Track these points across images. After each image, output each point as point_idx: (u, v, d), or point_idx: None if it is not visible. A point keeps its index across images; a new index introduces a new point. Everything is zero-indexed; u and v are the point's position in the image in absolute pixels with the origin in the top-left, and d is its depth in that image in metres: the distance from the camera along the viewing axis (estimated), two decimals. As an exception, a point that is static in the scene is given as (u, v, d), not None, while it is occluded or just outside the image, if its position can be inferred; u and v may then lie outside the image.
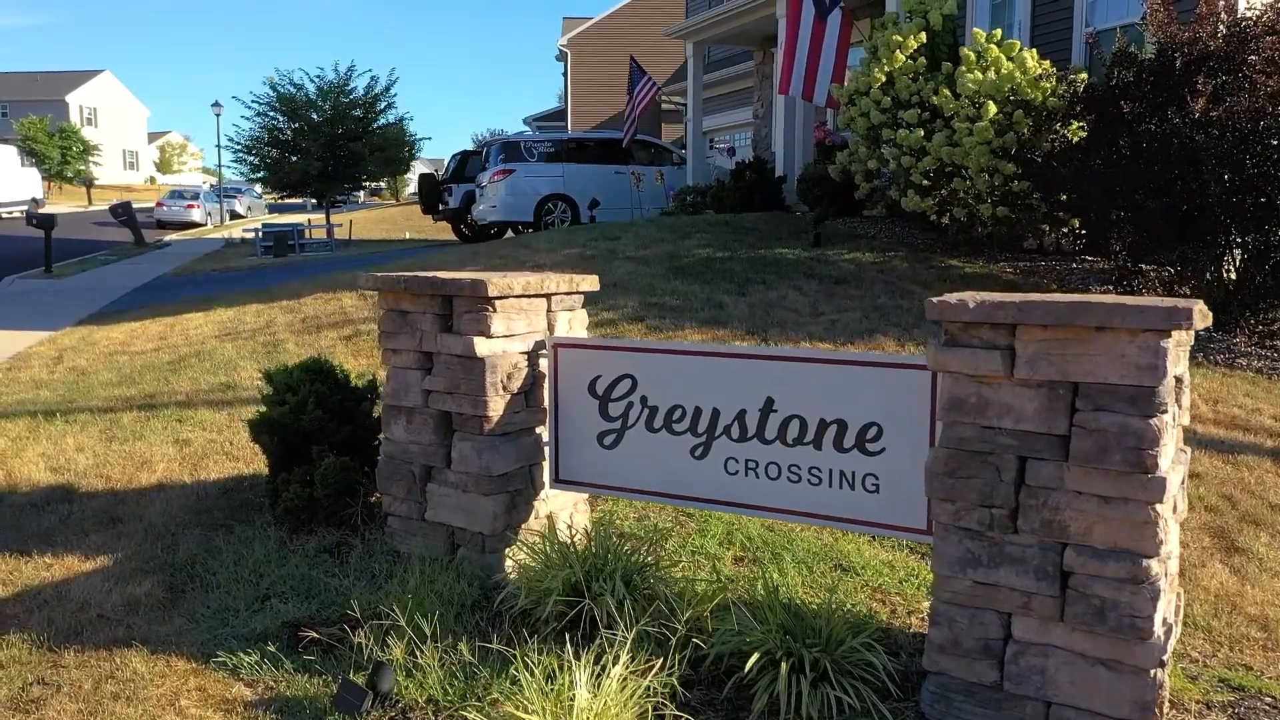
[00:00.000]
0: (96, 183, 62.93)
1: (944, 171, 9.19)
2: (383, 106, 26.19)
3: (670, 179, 18.41)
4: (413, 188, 77.05)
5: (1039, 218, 9.01)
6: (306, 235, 24.44)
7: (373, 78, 26.13)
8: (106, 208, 27.83)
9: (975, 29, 9.47)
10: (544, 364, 4.02)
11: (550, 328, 4.09)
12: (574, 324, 4.21)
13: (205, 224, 38.15)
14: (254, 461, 5.28)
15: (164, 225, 37.93)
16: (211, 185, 65.87)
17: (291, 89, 25.18)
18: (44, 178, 58.50)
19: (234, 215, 42.79)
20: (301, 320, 9.49)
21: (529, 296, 3.94)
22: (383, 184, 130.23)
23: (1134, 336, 2.67)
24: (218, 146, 39.60)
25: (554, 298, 4.07)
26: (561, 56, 45.31)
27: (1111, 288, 8.26)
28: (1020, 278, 8.84)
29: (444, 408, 3.94)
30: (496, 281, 3.74)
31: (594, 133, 18.56)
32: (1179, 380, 2.89)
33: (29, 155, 59.05)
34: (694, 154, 17.74)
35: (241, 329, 9.61)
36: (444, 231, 24.85)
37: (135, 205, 57.71)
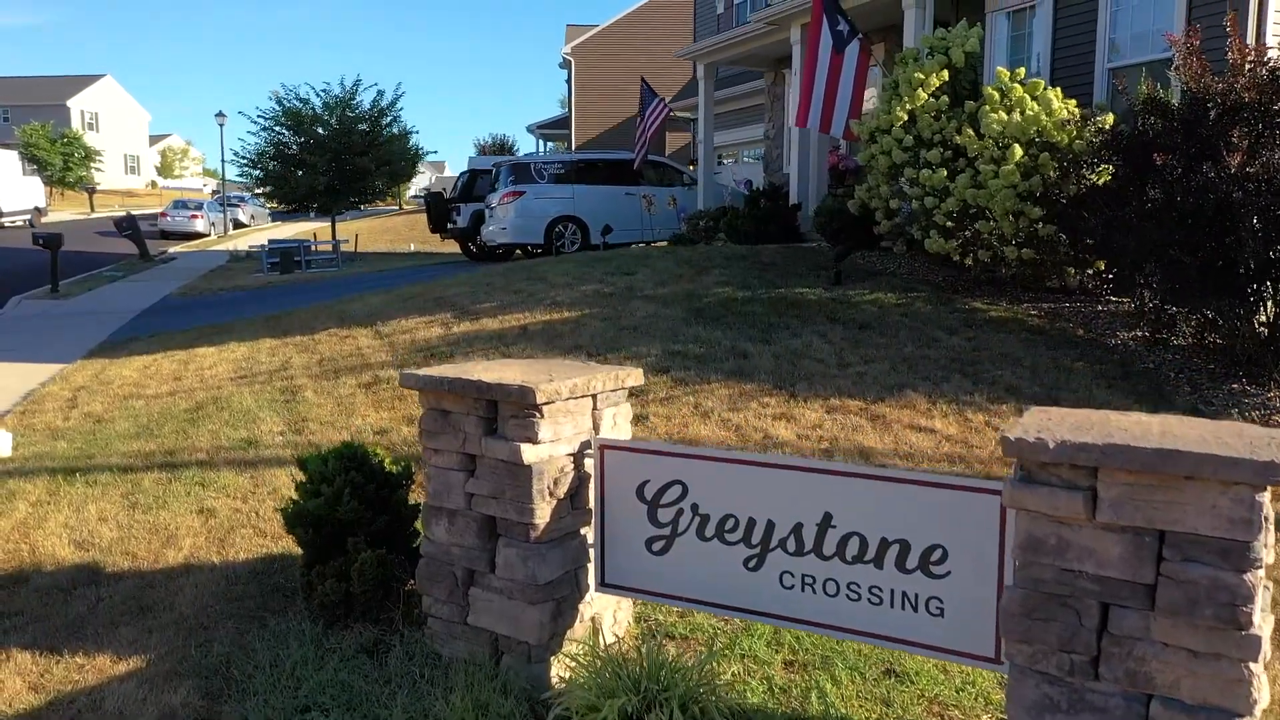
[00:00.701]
0: (98, 188, 62.83)
1: (967, 212, 9.09)
2: (388, 121, 26.13)
3: (681, 200, 18.32)
4: (413, 191, 76.87)
5: (1064, 259, 8.91)
6: (313, 250, 24.38)
7: (379, 92, 26.11)
8: (111, 221, 27.69)
9: (999, 68, 9.36)
10: (589, 464, 3.92)
11: (595, 426, 3.99)
12: (619, 419, 4.11)
13: (209, 234, 38.07)
14: (282, 538, 5.18)
15: (168, 236, 37.87)
16: (214, 192, 65.72)
17: (298, 103, 25.11)
18: (46, 183, 58.45)
19: (237, 224, 42.71)
20: (318, 362, 9.38)
21: (575, 398, 3.84)
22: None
23: (1226, 488, 2.57)
24: (222, 161, 39.52)
25: (600, 396, 3.97)
26: (565, 64, 45.22)
27: (1140, 332, 8.18)
28: (1046, 321, 8.74)
29: (488, 512, 3.84)
30: (544, 388, 3.64)
31: (604, 153, 18.46)
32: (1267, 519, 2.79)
33: (31, 162, 58.94)
34: (705, 176, 17.64)
35: (257, 369, 9.51)
36: (449, 244, 24.77)
37: (137, 212, 57.61)
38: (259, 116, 25.36)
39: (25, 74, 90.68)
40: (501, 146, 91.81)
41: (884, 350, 7.95)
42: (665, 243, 17.07)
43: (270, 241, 23.75)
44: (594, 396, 3.95)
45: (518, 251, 18.66)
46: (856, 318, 8.83)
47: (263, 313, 14.54)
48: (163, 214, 37.88)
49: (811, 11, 11.47)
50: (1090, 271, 9.06)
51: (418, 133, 28.00)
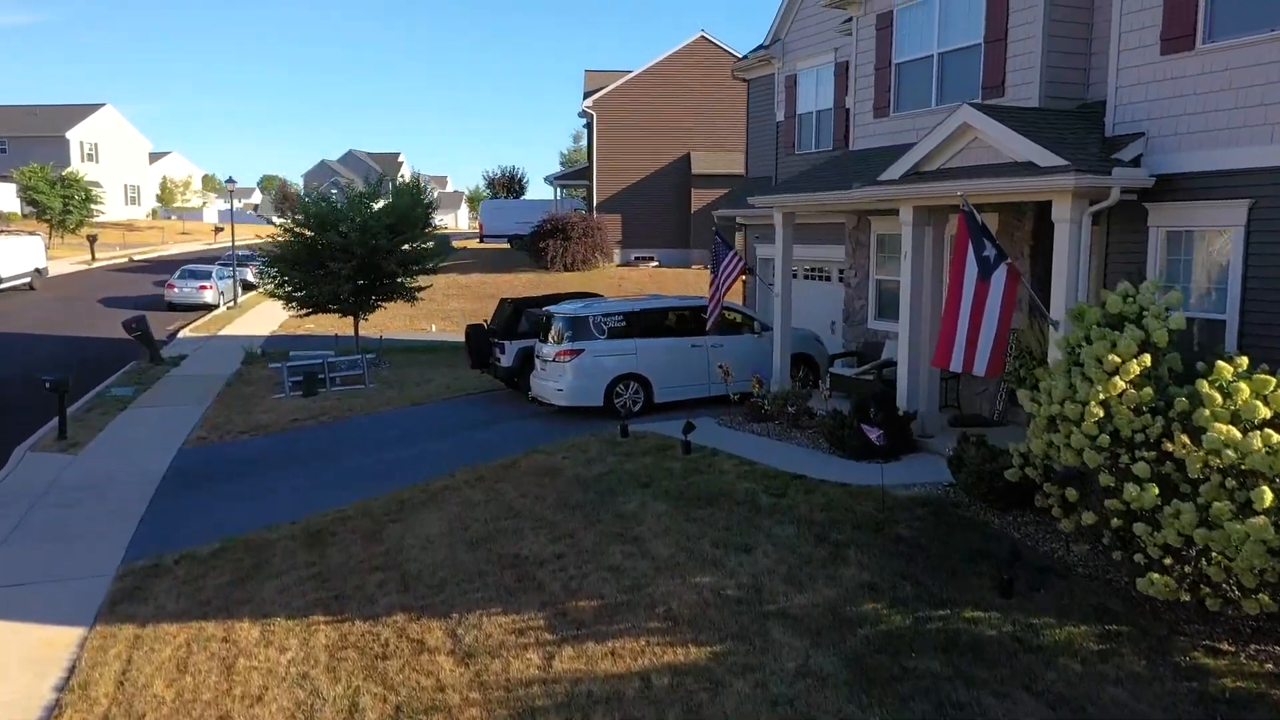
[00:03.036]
0: (100, 215, 61.03)
1: (1190, 544, 7.48)
2: (417, 216, 24.52)
3: (750, 351, 16.72)
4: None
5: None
6: (338, 340, 22.75)
7: (412, 187, 24.41)
8: (121, 323, 25.99)
9: (1220, 363, 7.74)
10: None
11: None
12: None
13: (218, 306, 36.42)
14: None
15: (175, 308, 36.19)
16: (218, 229, 63.56)
17: (322, 205, 23.50)
18: (44, 219, 56.86)
19: (245, 285, 41.10)
20: (394, 711, 7.75)
21: None
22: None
23: None
24: (232, 226, 38.11)
25: None
26: (586, 116, 43.71)
27: None
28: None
29: None
30: None
31: (670, 299, 16.84)
32: None
33: (30, 204, 57.37)
34: (782, 327, 15.99)
35: (318, 693, 7.93)
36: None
37: (139, 253, 56.12)
38: (280, 221, 23.81)
39: (23, 103, 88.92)
40: (511, 179, 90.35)
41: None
42: (737, 399, 15.48)
43: (292, 359, 22.06)
44: None
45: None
46: (1059, 684, 7.22)
47: (300, 509, 12.92)
48: (170, 285, 36.22)
49: (955, 238, 9.88)
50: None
51: (435, 201, 26.23)
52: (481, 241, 57.77)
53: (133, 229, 76.95)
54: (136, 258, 56.47)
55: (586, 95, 46.83)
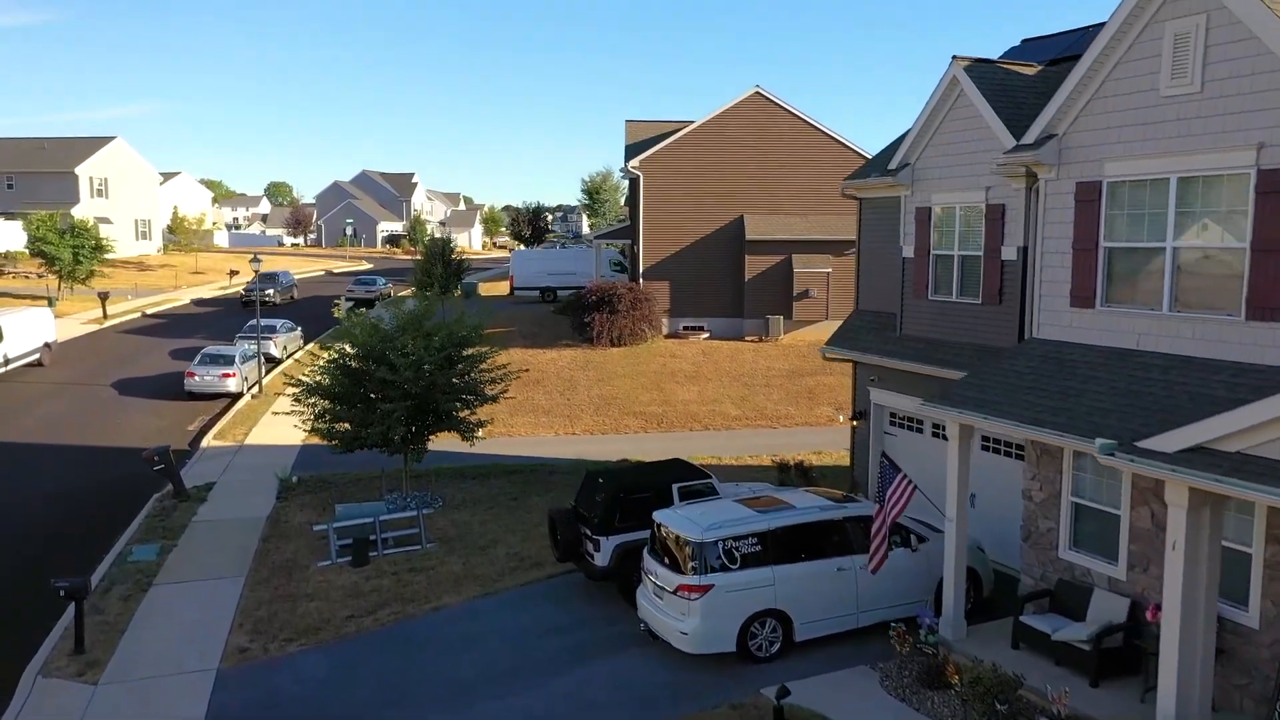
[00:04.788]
0: (110, 254, 58.33)
1: None
2: (471, 339, 21.75)
3: (905, 570, 13.91)
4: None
5: None
6: (384, 474, 19.98)
7: (461, 329, 21.69)
8: (142, 455, 23.24)
9: None
10: None
11: None
12: None
13: (242, 393, 33.70)
14: None
15: (196, 397, 33.49)
16: (245, 273, 60.17)
17: (372, 336, 20.71)
18: (53, 270, 54.27)
19: (269, 359, 38.41)
20: None
21: None
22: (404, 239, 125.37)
23: None
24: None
25: None
26: (631, 177, 40.98)
27: None
28: None
29: None
30: None
31: (810, 510, 13.96)
32: None
33: (38, 255, 54.82)
34: (956, 557, 13.16)
35: None
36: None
37: (153, 306, 53.31)
38: (318, 366, 21.14)
39: (31, 135, 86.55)
40: (535, 214, 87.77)
41: None
42: (896, 639, 12.65)
43: (339, 516, 19.22)
44: None
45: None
46: None
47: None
48: (190, 373, 33.47)
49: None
50: None
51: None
52: (512, 294, 55.02)
53: (144, 267, 74.44)
54: (149, 311, 53.83)
55: (630, 152, 44.05)
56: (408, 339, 20.72)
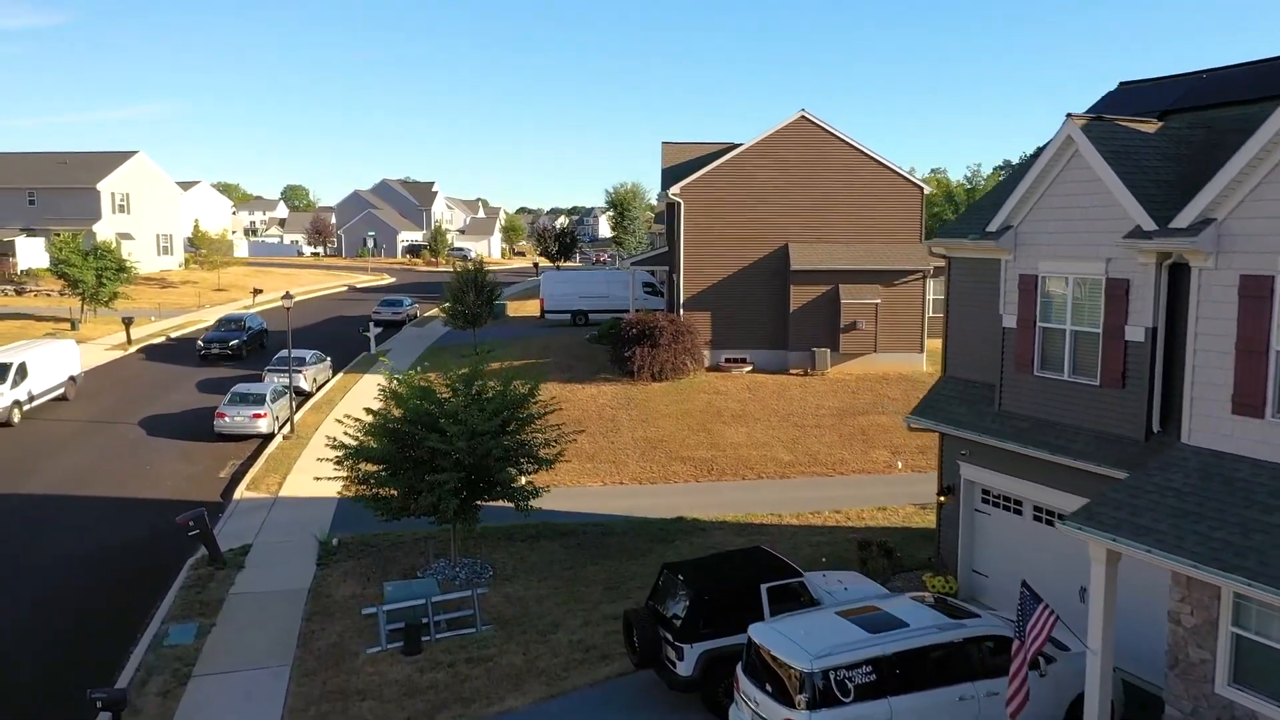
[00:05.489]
0: (137, 270, 57.25)
1: None
2: (527, 405, 20.46)
3: (1033, 695, 12.48)
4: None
5: None
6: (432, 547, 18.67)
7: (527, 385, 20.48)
8: (177, 520, 22.07)
9: None
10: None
11: None
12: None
13: (274, 433, 32.53)
14: None
15: (226, 439, 32.34)
16: (257, 299, 57.95)
17: (420, 405, 19.41)
18: (76, 293, 53.30)
19: (299, 393, 37.26)
20: None
21: None
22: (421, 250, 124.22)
23: None
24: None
25: None
26: (671, 203, 39.70)
27: None
28: None
29: None
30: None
31: (927, 631, 12.56)
32: None
33: (61, 278, 53.91)
34: (1100, 706, 11.74)
35: None
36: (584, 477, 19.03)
37: (178, 330, 52.04)
38: (365, 426, 19.87)
39: (53, 149, 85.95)
40: (562, 231, 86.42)
41: None
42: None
43: (389, 597, 17.90)
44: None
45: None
46: None
47: None
48: (220, 414, 32.30)
49: None
50: None
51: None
52: (543, 317, 53.72)
53: (166, 284, 73.56)
54: (173, 335, 52.82)
55: (667, 176, 42.75)
56: (458, 402, 19.44)
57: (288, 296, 33.40)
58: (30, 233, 72.57)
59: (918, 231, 38.43)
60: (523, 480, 20.38)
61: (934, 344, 39.71)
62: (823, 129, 38.03)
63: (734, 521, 24.53)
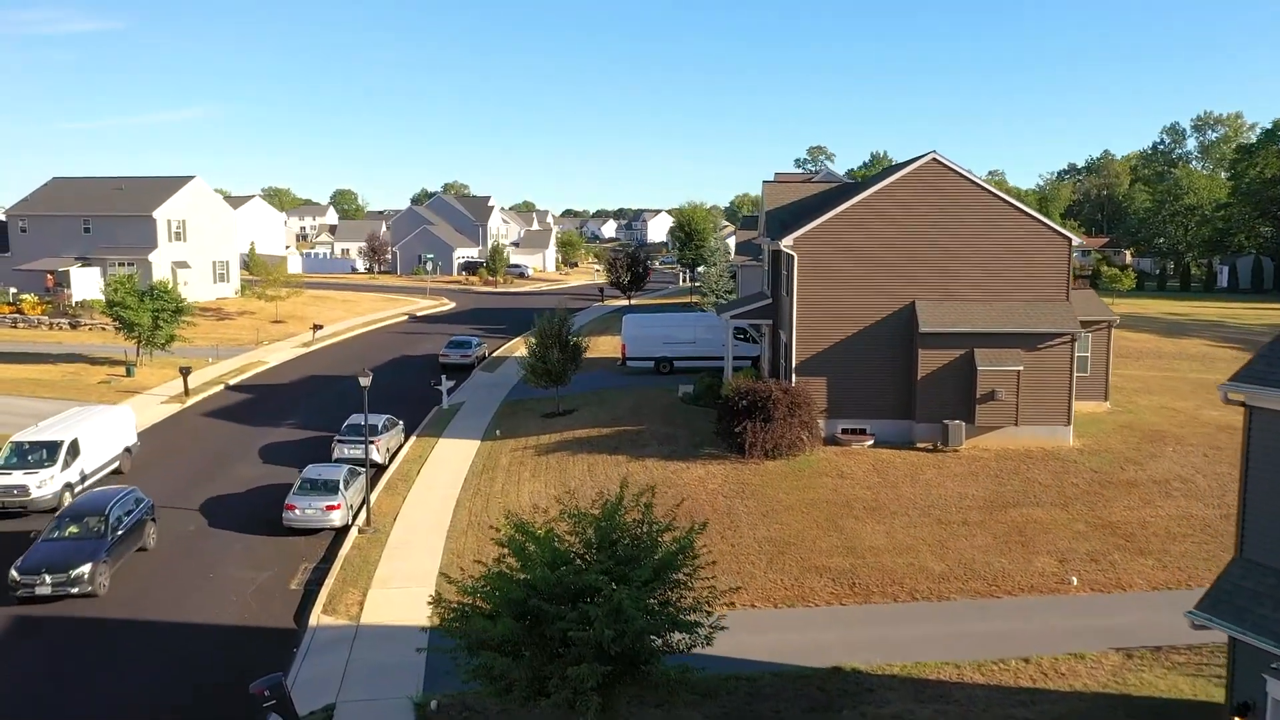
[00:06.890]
0: (192, 309, 54.49)
1: None
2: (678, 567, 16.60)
3: None
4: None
5: None
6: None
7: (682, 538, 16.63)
8: (250, 687, 18.51)
9: None
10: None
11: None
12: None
13: (348, 525, 29.10)
14: None
15: (296, 532, 28.98)
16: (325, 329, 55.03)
17: (549, 566, 15.62)
18: (132, 336, 50.47)
19: (374, 466, 33.89)
20: None
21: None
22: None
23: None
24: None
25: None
26: (782, 254, 35.59)
27: None
28: None
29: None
30: None
31: None
32: None
33: (116, 320, 51.17)
34: None
35: None
36: None
37: (230, 363, 48.79)
38: (473, 586, 16.10)
39: (109, 173, 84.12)
40: (634, 259, 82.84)
41: None
42: None
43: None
44: None
45: None
46: None
47: None
48: (289, 505, 28.92)
49: None
50: None
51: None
52: (623, 364, 49.90)
53: (222, 315, 71.05)
54: (232, 383, 49.87)
55: (773, 220, 38.71)
56: (596, 574, 15.52)
57: (366, 374, 29.80)
58: (85, 262, 70.42)
59: (1064, 288, 34.00)
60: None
61: (1081, 410, 35.32)
62: (955, 171, 33.74)
63: (904, 676, 20.43)
